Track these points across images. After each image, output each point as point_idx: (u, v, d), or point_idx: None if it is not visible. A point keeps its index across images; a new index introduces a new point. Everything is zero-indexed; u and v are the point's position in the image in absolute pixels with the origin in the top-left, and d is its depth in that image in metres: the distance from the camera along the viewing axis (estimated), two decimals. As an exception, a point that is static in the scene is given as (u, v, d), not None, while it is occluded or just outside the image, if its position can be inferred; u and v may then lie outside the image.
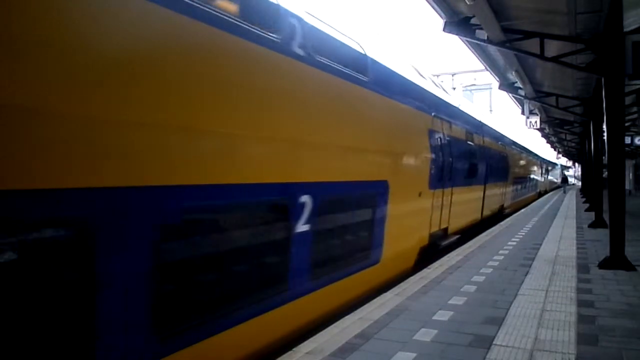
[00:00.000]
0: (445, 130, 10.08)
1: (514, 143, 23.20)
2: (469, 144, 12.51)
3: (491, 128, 17.18)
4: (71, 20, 2.73)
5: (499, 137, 18.58)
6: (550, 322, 4.93)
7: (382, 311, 5.28)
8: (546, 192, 42.43)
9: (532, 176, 31.69)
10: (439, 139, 9.55)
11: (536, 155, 34.92)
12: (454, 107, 11.99)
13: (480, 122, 15.00)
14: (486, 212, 15.38)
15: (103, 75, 2.86)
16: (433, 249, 9.44)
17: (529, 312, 5.29)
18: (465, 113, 13.32)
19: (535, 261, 8.39)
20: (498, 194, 17.52)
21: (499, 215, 18.05)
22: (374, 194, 6.71)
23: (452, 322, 4.92)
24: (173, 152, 3.27)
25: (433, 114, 9.32)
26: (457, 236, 11.30)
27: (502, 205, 18.92)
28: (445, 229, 10.48)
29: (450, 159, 10.16)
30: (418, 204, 8.50)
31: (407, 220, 8.11)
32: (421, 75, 9.75)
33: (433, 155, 8.98)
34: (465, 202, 12.31)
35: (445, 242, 10.29)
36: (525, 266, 7.91)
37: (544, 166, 42.01)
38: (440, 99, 10.62)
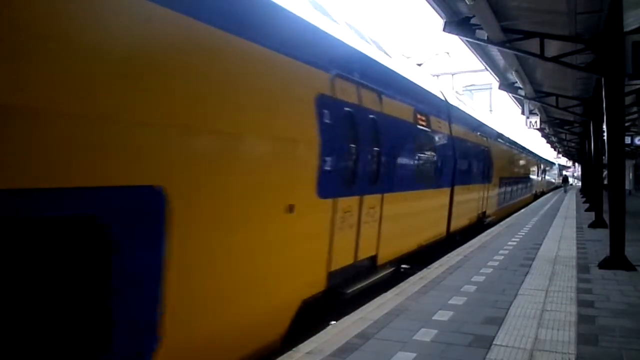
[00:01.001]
0: (366, 102, 6.30)
1: (501, 136, 19.19)
2: (420, 130, 8.61)
3: (464, 113, 13.08)
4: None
5: (478, 127, 14.50)
6: (550, 322, 4.93)
7: (382, 311, 5.27)
8: (543, 193, 39.29)
9: (525, 176, 27.49)
10: (348, 116, 5.77)
11: (531, 152, 30.74)
12: (388, 70, 7.68)
13: (445, 102, 11.06)
14: (457, 223, 11.50)
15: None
16: (339, 296, 5.81)
17: (529, 312, 5.29)
18: (414, 84, 8.92)
19: (535, 261, 8.39)
20: (475, 199, 13.63)
21: (479, 225, 14.18)
22: (111, 215, 2.93)
23: (452, 322, 4.92)
24: None
25: (335, 72, 5.60)
26: (392, 269, 7.55)
27: (484, 212, 15.01)
28: (372, 258, 6.83)
29: (376, 150, 6.53)
30: (283, 225, 4.68)
31: (248, 258, 4.23)
32: (325, 15, 6.24)
33: (330, 142, 5.31)
34: (413, 214, 8.42)
35: (368, 281, 6.48)
36: (525, 266, 7.91)
37: (541, 165, 37.93)
38: (357, 52, 6.60)
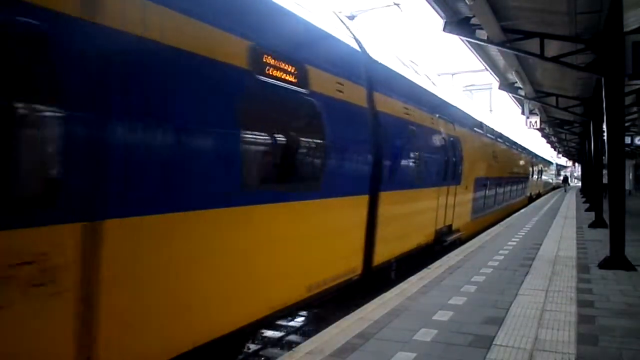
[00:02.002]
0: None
1: (480, 125, 14.57)
2: (273, 89, 4.76)
3: (407, 81, 8.73)
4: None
5: (437, 107, 10.07)
6: (550, 322, 4.93)
7: (382, 311, 5.28)
8: (539, 195, 35.47)
9: (516, 175, 22.90)
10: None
11: (523, 147, 25.92)
12: None
13: (362, 55, 6.95)
14: (389, 250, 7.56)
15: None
16: None
17: (529, 312, 5.29)
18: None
19: (536, 261, 8.38)
20: (430, 208, 9.50)
21: (438, 245, 9.91)
22: None
23: (452, 322, 4.92)
24: None
25: None
26: None
27: (448, 227, 10.74)
28: None
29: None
30: None
31: None
32: None
33: None
34: (252, 253, 4.52)
35: None
36: (525, 266, 7.91)
37: (536, 163, 33.15)
38: None
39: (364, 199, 6.60)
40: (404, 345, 4.24)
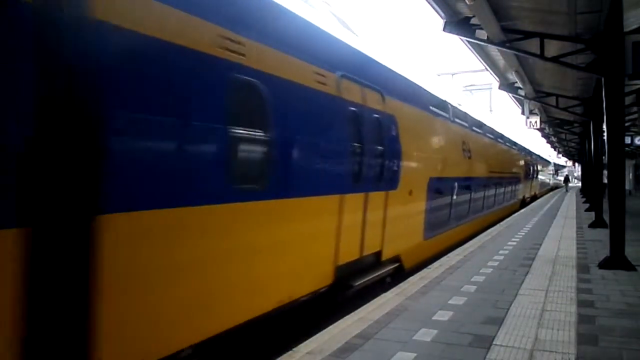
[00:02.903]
0: None
1: (441, 105, 10.45)
2: None
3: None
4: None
5: (336, 59, 5.97)
6: (550, 322, 4.92)
7: (382, 311, 5.27)
8: (535, 197, 31.10)
9: (504, 175, 18.61)
10: None
11: (512, 141, 21.66)
12: None
13: None
14: (161, 343, 3.46)
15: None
16: None
17: (529, 312, 5.29)
18: None
19: (535, 261, 8.38)
20: (316, 234, 5.56)
21: (344, 289, 6.12)
22: None
23: (452, 322, 4.92)
24: None
25: None
26: None
27: (375, 255, 7.05)
28: None
29: None
30: None
31: None
32: None
33: None
34: None
35: None
36: (525, 266, 7.91)
37: (531, 161, 28.54)
38: None
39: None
40: (404, 345, 4.24)
